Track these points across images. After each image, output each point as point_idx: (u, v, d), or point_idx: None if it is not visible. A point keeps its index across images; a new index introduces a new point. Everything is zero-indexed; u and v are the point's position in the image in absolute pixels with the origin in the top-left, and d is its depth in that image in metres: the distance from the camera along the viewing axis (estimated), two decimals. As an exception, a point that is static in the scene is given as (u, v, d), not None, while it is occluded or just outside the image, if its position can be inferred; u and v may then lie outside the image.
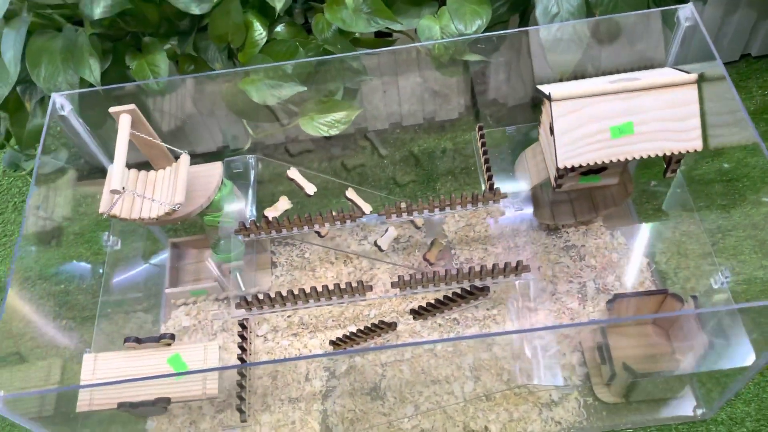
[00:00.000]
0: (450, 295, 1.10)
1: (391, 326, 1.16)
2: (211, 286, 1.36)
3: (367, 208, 1.14)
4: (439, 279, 1.06)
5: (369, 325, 1.16)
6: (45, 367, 1.06)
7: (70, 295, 1.22)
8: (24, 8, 1.17)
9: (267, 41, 1.19)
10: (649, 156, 1.05)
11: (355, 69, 1.25)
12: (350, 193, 1.15)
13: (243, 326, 1.09)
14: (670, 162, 1.12)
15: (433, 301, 1.14)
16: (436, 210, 1.14)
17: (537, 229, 1.42)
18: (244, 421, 1.03)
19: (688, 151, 1.05)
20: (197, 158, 1.22)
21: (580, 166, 1.06)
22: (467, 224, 1.42)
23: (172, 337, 1.04)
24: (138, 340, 1.02)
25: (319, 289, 1.06)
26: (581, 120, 1.05)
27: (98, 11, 1.10)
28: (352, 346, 1.21)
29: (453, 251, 1.39)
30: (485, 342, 1.29)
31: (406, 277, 1.06)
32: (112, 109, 1.08)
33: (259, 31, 1.19)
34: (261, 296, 1.07)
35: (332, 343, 1.22)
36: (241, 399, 1.01)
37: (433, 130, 1.46)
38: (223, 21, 1.18)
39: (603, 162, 1.05)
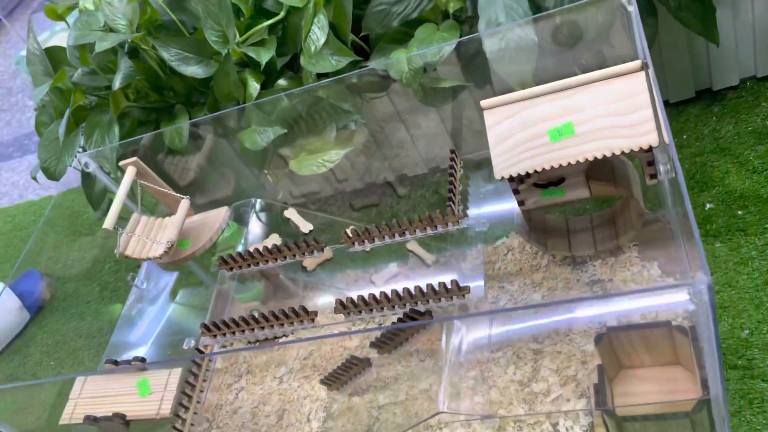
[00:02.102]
0: (395, 321, 1.05)
1: (363, 362, 1.13)
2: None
3: (306, 227, 1.15)
4: (377, 303, 1.02)
5: (344, 362, 1.14)
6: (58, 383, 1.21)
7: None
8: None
9: (258, 94, 1.30)
10: (595, 157, 0.93)
11: (346, 110, 1.30)
12: (289, 213, 1.17)
13: (197, 364, 1.14)
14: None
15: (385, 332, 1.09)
16: (396, 235, 1.10)
17: (560, 263, 1.28)
18: None
19: (641, 148, 0.90)
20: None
21: (519, 176, 0.97)
22: (487, 261, 1.34)
23: (143, 360, 1.13)
24: (115, 362, 1.13)
25: (268, 315, 1.08)
26: (516, 126, 0.97)
27: (116, 84, 1.30)
28: (342, 383, 1.19)
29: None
30: (479, 379, 1.18)
31: (346, 302, 1.03)
32: (121, 163, 1.25)
33: (254, 86, 1.31)
34: (219, 323, 1.12)
35: (323, 382, 1.21)
36: (181, 419, 1.05)
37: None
38: (225, 81, 1.31)
39: (543, 168, 0.95)
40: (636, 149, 0.91)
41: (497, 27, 1.05)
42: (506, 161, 0.97)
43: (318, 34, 1.19)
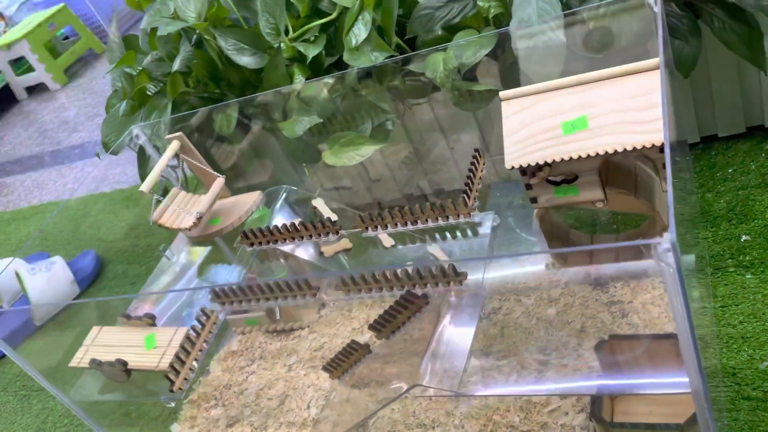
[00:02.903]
0: (394, 305, 1.04)
1: (363, 348, 1.12)
2: (260, 315, 1.47)
3: (332, 218, 1.17)
4: (376, 282, 1.02)
5: (344, 347, 1.14)
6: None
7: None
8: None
9: (302, 89, 1.36)
10: (606, 152, 0.91)
11: (384, 110, 1.33)
12: (316, 201, 1.19)
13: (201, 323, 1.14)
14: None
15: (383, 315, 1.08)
16: (408, 223, 1.11)
17: (581, 282, 1.24)
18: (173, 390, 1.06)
19: (653, 145, 0.88)
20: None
21: (531, 167, 0.96)
22: (505, 273, 1.31)
23: (152, 317, 1.17)
24: (128, 317, 1.18)
25: (273, 286, 1.11)
26: (531, 118, 0.97)
27: (175, 66, 1.40)
28: (343, 370, 1.19)
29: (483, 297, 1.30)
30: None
31: (347, 279, 1.04)
32: (167, 136, 1.33)
33: (299, 79, 1.37)
34: (227, 289, 1.15)
35: (325, 368, 1.21)
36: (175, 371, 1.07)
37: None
38: (274, 73, 1.38)
39: (554, 160, 0.94)
40: (648, 146, 0.89)
41: (528, 27, 1.07)
42: (518, 151, 0.97)
43: (361, 29, 1.24)
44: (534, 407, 1.07)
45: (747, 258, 1.15)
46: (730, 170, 1.31)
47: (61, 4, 3.96)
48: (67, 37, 4.23)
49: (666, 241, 0.59)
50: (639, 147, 0.90)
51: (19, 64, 3.93)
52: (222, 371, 1.44)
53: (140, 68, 1.50)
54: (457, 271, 0.98)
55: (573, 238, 1.23)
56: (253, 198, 1.36)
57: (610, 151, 0.91)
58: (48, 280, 1.92)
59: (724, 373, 1.02)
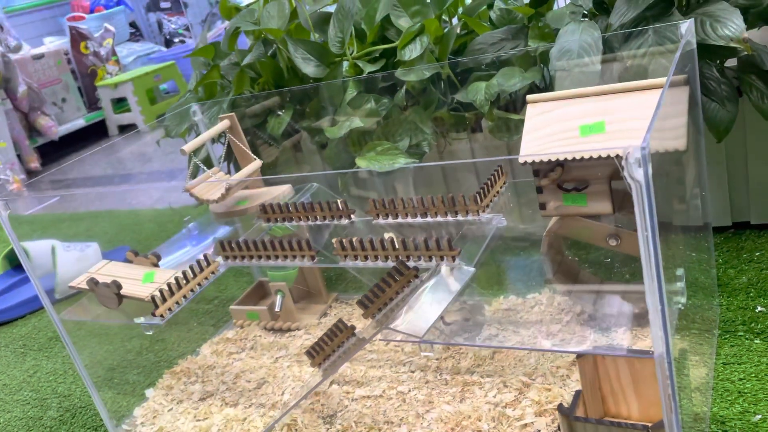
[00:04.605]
0: (383, 280, 1.03)
1: (349, 329, 1.11)
2: (261, 310, 1.48)
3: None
4: (373, 249, 1.03)
5: (330, 330, 1.12)
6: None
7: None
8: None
9: (352, 98, 1.45)
10: (618, 155, 0.93)
11: (423, 131, 1.40)
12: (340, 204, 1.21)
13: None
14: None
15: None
16: (418, 215, 1.13)
17: (583, 324, 1.21)
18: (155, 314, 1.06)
19: (667, 151, 0.90)
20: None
21: (543, 165, 0.98)
22: (511, 308, 1.29)
23: (158, 256, 1.20)
24: (136, 253, 1.22)
25: (276, 244, 1.13)
26: (552, 119, 1.00)
27: (246, 60, 1.52)
28: (326, 355, 1.16)
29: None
30: (457, 396, 1.10)
31: (345, 243, 1.06)
32: (220, 115, 1.42)
33: (350, 93, 1.46)
34: (233, 243, 1.18)
35: (308, 353, 1.20)
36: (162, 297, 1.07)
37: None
38: (332, 86, 1.48)
39: (566, 159, 0.96)
40: (661, 151, 0.90)
41: (566, 56, 1.13)
42: (534, 148, 1.00)
43: (416, 46, 1.34)
44: (507, 419, 1.02)
45: (759, 326, 1.10)
46: (756, 254, 1.28)
47: (172, 61, 4.35)
48: (168, 92, 4.60)
49: (636, 149, 0.60)
50: (653, 152, 0.91)
51: (120, 104, 4.27)
52: (211, 353, 1.43)
53: (213, 63, 1.63)
54: (452, 245, 0.98)
55: (583, 277, 1.21)
56: (282, 189, 1.42)
57: (623, 155, 0.93)
58: (79, 260, 1.99)
59: (713, 420, 0.95)
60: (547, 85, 1.32)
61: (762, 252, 1.27)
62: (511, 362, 1.16)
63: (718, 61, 1.21)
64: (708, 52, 1.14)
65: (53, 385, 1.51)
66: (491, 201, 1.14)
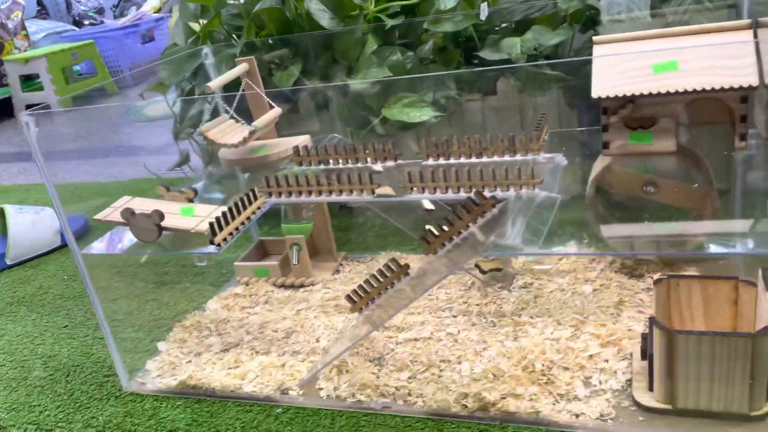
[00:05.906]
0: (455, 212, 1.01)
1: (402, 267, 1.08)
2: (271, 266, 1.41)
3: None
4: (445, 180, 1.02)
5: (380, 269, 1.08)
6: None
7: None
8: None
9: (375, 50, 1.43)
10: (695, 90, 0.97)
11: (449, 87, 1.40)
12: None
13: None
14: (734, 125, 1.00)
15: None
16: (473, 156, 1.12)
17: (617, 271, 1.25)
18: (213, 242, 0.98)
19: (741, 86, 0.95)
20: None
21: (616, 98, 1.01)
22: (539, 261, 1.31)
23: (194, 191, 1.12)
24: (167, 188, 1.13)
25: (330, 179, 1.09)
26: (622, 59, 1.03)
27: (257, 7, 1.46)
28: (370, 299, 1.12)
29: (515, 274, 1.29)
30: (510, 335, 1.10)
31: (413, 175, 1.03)
32: (237, 59, 1.35)
33: (371, 47, 1.43)
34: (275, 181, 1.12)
35: (348, 297, 1.15)
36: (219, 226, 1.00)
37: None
38: (349, 37, 1.45)
39: (641, 93, 1.00)
40: (736, 86, 0.96)
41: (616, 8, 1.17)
42: (607, 83, 1.02)
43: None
44: (572, 351, 1.03)
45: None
46: None
47: (90, 40, 4.08)
48: (81, 74, 4.32)
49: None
50: (727, 87, 0.96)
51: (30, 82, 3.95)
52: (221, 308, 1.34)
53: (216, 12, 1.56)
54: (534, 175, 0.99)
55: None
56: (301, 139, 1.37)
57: (698, 89, 0.98)
58: (33, 223, 1.81)
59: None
60: (571, 47, 1.36)
61: None
62: (556, 305, 1.17)
63: None
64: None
65: (30, 347, 1.36)
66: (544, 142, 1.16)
